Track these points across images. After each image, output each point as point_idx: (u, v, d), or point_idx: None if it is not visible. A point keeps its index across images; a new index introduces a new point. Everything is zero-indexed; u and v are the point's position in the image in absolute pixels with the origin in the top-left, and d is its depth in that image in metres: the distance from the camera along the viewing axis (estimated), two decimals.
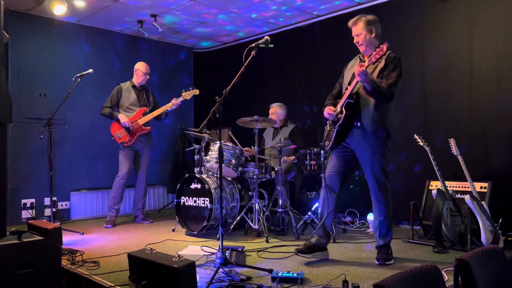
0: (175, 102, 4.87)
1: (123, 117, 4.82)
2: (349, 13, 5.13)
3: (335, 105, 3.19)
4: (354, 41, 3.19)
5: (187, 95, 4.87)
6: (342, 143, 3.20)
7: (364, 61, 3.08)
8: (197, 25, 5.84)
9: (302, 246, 3.20)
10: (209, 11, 5.28)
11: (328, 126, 3.26)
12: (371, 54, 2.92)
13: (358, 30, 3.16)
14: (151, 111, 4.97)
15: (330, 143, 3.18)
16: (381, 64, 3.05)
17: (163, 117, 5.07)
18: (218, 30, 6.08)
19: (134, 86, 5.02)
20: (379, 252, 3.17)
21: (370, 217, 4.39)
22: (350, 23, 3.21)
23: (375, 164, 3.09)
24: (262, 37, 3.06)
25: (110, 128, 4.89)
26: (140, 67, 4.99)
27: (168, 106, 4.90)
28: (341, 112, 3.09)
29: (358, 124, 3.09)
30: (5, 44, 4.29)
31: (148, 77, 5.02)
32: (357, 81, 2.98)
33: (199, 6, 5.11)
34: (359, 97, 3.07)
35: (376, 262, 3.12)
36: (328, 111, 3.15)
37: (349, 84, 3.15)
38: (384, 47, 2.83)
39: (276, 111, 4.96)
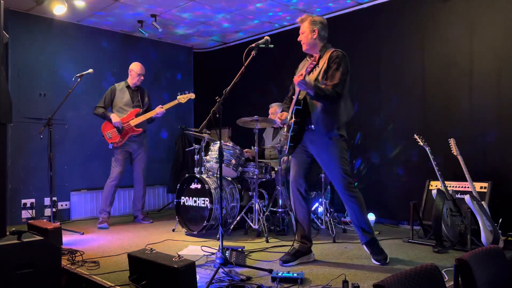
0: (159, 111, 4.79)
1: (115, 117, 4.77)
2: (349, 13, 5.14)
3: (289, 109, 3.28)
4: (298, 39, 3.23)
5: (182, 98, 4.78)
6: (301, 146, 3.22)
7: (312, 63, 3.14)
8: (197, 25, 5.84)
9: (285, 255, 3.18)
10: (209, 11, 5.28)
11: (284, 131, 3.30)
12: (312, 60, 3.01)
13: (303, 28, 3.20)
14: (144, 112, 4.90)
15: (287, 148, 3.21)
16: (324, 65, 3.07)
17: (150, 121, 5.01)
18: (218, 30, 6.09)
19: (128, 87, 4.96)
20: (372, 251, 3.18)
21: (371, 217, 4.39)
22: (298, 19, 3.27)
23: (334, 165, 3.11)
24: (262, 37, 3.07)
25: (101, 128, 4.86)
26: (135, 68, 4.93)
27: (152, 113, 4.82)
28: (291, 118, 3.13)
29: (312, 127, 3.12)
30: (5, 44, 4.29)
31: (142, 78, 4.95)
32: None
33: (199, 6, 5.11)
34: (307, 102, 3.11)
35: (378, 263, 3.12)
36: (277, 119, 3.24)
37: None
38: (317, 57, 2.92)
39: (276, 110, 4.96)
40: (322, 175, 4.40)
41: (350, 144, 5.01)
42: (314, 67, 2.99)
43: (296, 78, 2.89)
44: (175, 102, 4.79)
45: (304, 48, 3.22)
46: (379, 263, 3.11)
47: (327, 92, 2.95)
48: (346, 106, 3.14)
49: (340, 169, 3.10)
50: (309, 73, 2.98)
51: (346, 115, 3.14)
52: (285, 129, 3.25)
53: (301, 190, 3.23)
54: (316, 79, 3.05)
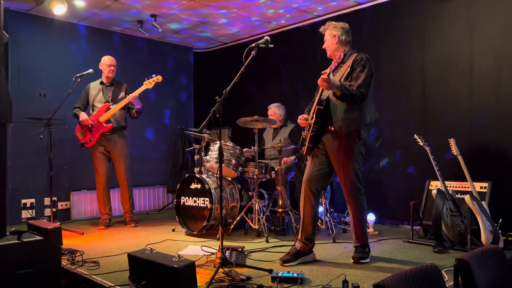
0: (130, 97, 4.52)
1: (82, 115, 4.64)
2: (349, 13, 5.14)
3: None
4: (323, 47, 3.29)
5: (149, 83, 4.58)
6: (319, 147, 3.23)
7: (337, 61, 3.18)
8: (197, 25, 5.84)
9: (286, 255, 3.18)
10: (209, 11, 5.28)
11: (304, 132, 3.31)
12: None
13: (325, 36, 3.28)
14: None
15: (305, 148, 3.22)
16: (348, 69, 3.11)
17: (135, 115, 4.71)
18: (218, 30, 6.09)
19: (102, 83, 4.80)
20: (355, 251, 3.22)
21: (371, 217, 4.40)
22: (321, 28, 3.31)
23: (347, 168, 3.12)
24: (262, 37, 3.07)
25: (75, 129, 4.77)
26: (104, 60, 4.76)
27: (125, 101, 4.58)
28: (312, 118, 3.14)
29: (332, 128, 3.13)
30: (5, 44, 4.28)
31: (113, 68, 4.74)
32: (323, 89, 3.04)
33: (199, 6, 5.11)
34: (329, 103, 3.12)
35: (352, 261, 3.15)
36: (299, 120, 3.27)
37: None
38: (342, 55, 2.97)
39: (275, 112, 4.96)
40: None
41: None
42: (338, 66, 3.01)
43: (322, 78, 2.86)
44: (143, 88, 4.58)
45: (328, 54, 3.25)
46: (353, 261, 3.14)
47: (352, 91, 2.96)
48: (368, 109, 3.17)
49: (352, 173, 3.11)
50: (333, 71, 2.99)
51: (368, 117, 3.17)
52: (306, 129, 3.27)
53: (313, 191, 3.22)
54: (339, 81, 3.07)
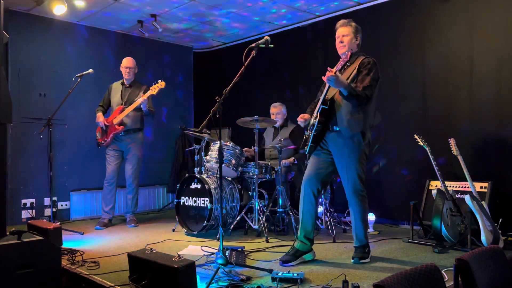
0: (141, 100, 4.57)
1: (98, 117, 4.77)
2: (349, 13, 5.14)
3: (313, 112, 3.30)
4: (339, 40, 3.25)
5: (153, 89, 4.63)
6: (322, 147, 3.23)
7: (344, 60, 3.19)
8: (197, 25, 5.84)
9: (285, 255, 3.18)
10: (209, 10, 5.28)
11: (307, 131, 3.31)
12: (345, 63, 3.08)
13: (347, 31, 3.24)
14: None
15: (307, 147, 3.22)
16: (354, 71, 3.12)
17: (149, 114, 4.77)
18: (218, 30, 6.08)
19: (122, 83, 4.89)
20: (355, 251, 3.22)
21: (371, 217, 4.39)
22: (341, 22, 3.28)
23: (350, 169, 3.12)
24: (262, 37, 3.07)
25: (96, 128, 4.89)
26: (122, 63, 4.86)
27: (135, 105, 4.63)
28: (315, 117, 3.14)
29: (335, 128, 3.13)
30: (5, 44, 4.28)
31: (128, 70, 4.81)
32: (329, 87, 3.04)
33: (199, 5, 5.11)
34: (334, 103, 3.13)
35: (352, 261, 3.15)
36: (299, 118, 3.26)
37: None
38: (348, 54, 3.00)
39: (281, 110, 4.95)
40: None
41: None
42: (345, 65, 3.04)
43: (327, 73, 2.85)
44: (148, 93, 4.62)
45: (344, 49, 3.22)
46: (352, 261, 3.14)
47: (358, 92, 2.97)
48: (372, 111, 3.17)
49: (355, 174, 3.12)
50: (340, 70, 3.00)
51: (372, 120, 3.17)
52: (309, 129, 3.27)
53: (314, 190, 3.22)
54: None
